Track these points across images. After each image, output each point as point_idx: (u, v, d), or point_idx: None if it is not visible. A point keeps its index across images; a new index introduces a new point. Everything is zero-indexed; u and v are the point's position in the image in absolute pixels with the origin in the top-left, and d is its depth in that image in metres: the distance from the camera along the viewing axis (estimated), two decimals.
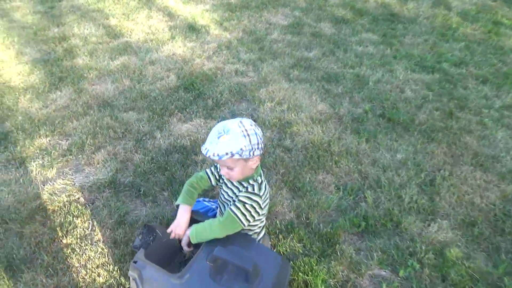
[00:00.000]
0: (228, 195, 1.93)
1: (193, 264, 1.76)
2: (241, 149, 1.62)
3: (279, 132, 3.30)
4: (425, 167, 2.98)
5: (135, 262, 1.77)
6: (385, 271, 2.26)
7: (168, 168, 2.86)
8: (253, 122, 1.70)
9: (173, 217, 1.96)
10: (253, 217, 1.79)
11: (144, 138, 3.17)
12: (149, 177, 2.79)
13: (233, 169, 1.73)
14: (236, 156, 1.63)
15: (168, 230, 1.93)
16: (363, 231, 2.48)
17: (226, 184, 1.95)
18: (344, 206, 2.64)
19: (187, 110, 3.52)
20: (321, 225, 2.50)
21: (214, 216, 2.19)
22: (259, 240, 2.10)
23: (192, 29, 5.12)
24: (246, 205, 1.76)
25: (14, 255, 2.21)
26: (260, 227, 2.01)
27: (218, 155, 1.62)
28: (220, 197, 2.03)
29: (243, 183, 1.84)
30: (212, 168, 2.01)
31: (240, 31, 5.16)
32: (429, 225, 2.54)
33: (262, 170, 1.92)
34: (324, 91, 3.87)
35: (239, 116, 3.45)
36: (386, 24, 5.49)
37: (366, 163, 3.00)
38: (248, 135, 1.63)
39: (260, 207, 1.80)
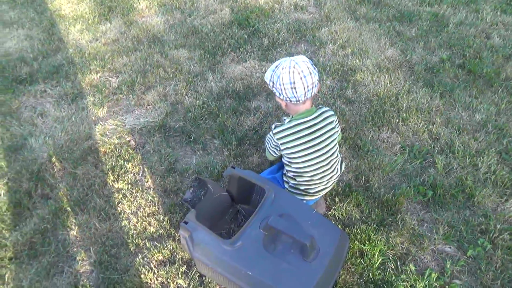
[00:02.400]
0: None
1: (245, 231, 1.65)
2: (265, 76, 1.79)
3: (341, 81, 2.98)
4: (508, 132, 2.59)
5: (185, 222, 1.69)
6: (450, 248, 2.06)
7: (220, 114, 2.69)
8: (293, 68, 1.65)
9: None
10: (269, 146, 1.97)
11: (195, 79, 2.98)
12: (200, 123, 2.65)
13: None
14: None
15: None
16: (429, 200, 2.25)
17: None
18: (410, 170, 2.39)
19: (240, 49, 3.25)
20: (382, 190, 2.28)
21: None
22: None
23: None
24: (267, 137, 1.98)
25: (69, 196, 2.23)
26: (294, 176, 1.95)
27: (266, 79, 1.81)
28: None
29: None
30: None
31: None
32: (507, 200, 2.24)
33: None
34: (395, 34, 3.40)
35: None
36: None
37: (439, 122, 2.66)
38: (274, 72, 1.71)
39: (276, 143, 1.87)
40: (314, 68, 1.72)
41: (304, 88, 1.67)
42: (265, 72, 1.83)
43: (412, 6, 3.75)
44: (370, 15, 3.63)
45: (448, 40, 3.34)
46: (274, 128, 1.85)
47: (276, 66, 1.71)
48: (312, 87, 1.70)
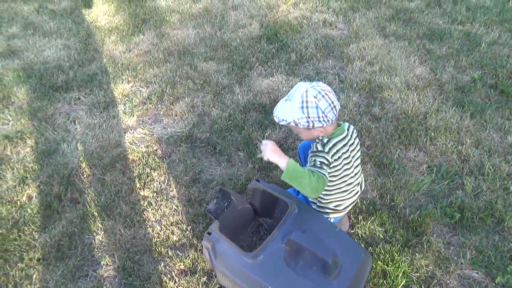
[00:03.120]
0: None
1: (268, 245, 1.65)
2: (294, 120, 1.64)
3: (368, 97, 2.96)
4: None
5: (209, 233, 1.71)
6: (477, 273, 1.99)
7: (245, 127, 2.72)
8: (323, 91, 1.61)
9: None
10: (326, 171, 1.67)
11: (222, 91, 3.04)
12: (226, 135, 2.69)
13: (298, 133, 1.78)
14: (293, 124, 1.67)
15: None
16: (456, 223, 2.18)
17: None
18: (437, 191, 2.34)
19: (268, 63, 3.29)
20: (407, 210, 2.24)
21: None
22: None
23: None
24: (316, 162, 1.67)
25: (96, 202, 2.30)
26: (324, 195, 1.88)
27: (278, 118, 1.70)
28: None
29: (311, 142, 1.79)
30: None
31: None
32: None
33: None
34: (425, 52, 3.37)
35: (324, 75, 3.16)
36: None
37: (468, 143, 2.60)
38: (307, 107, 1.60)
39: (329, 162, 1.68)
40: None
41: (337, 101, 1.67)
42: (279, 116, 1.68)
43: (443, 24, 3.70)
44: (399, 33, 3.61)
45: (480, 59, 3.27)
46: (324, 146, 1.67)
47: (303, 102, 1.59)
48: None
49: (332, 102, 1.61)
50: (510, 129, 2.68)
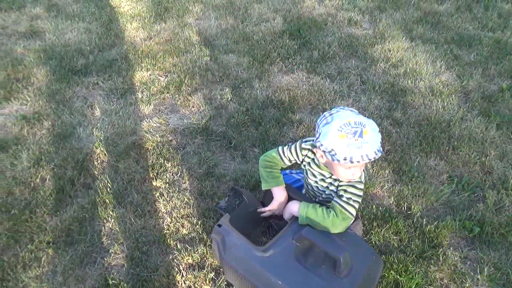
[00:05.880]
0: (318, 184, 1.74)
1: (278, 240, 1.63)
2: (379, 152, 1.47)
3: (390, 101, 2.88)
4: None
5: (219, 225, 1.67)
6: None
7: (263, 123, 2.67)
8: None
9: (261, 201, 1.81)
10: (356, 209, 1.63)
11: (241, 85, 2.99)
12: (242, 130, 2.65)
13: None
14: None
15: (268, 208, 1.86)
16: (475, 237, 2.10)
17: (312, 172, 1.73)
18: (456, 202, 2.25)
19: (289, 60, 3.23)
20: (424, 220, 2.16)
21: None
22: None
23: None
24: (354, 198, 1.61)
25: (108, 188, 2.28)
26: None
27: (379, 150, 1.45)
28: (307, 186, 1.85)
29: None
30: (285, 148, 1.77)
31: None
32: None
33: None
34: (452, 57, 3.26)
35: (346, 75, 3.09)
36: None
37: (493, 155, 2.50)
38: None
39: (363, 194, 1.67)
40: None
41: None
42: (377, 148, 1.45)
43: (472, 30, 3.58)
44: (427, 36, 3.50)
45: (510, 68, 3.16)
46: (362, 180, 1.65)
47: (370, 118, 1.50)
48: None
49: None
50: None
